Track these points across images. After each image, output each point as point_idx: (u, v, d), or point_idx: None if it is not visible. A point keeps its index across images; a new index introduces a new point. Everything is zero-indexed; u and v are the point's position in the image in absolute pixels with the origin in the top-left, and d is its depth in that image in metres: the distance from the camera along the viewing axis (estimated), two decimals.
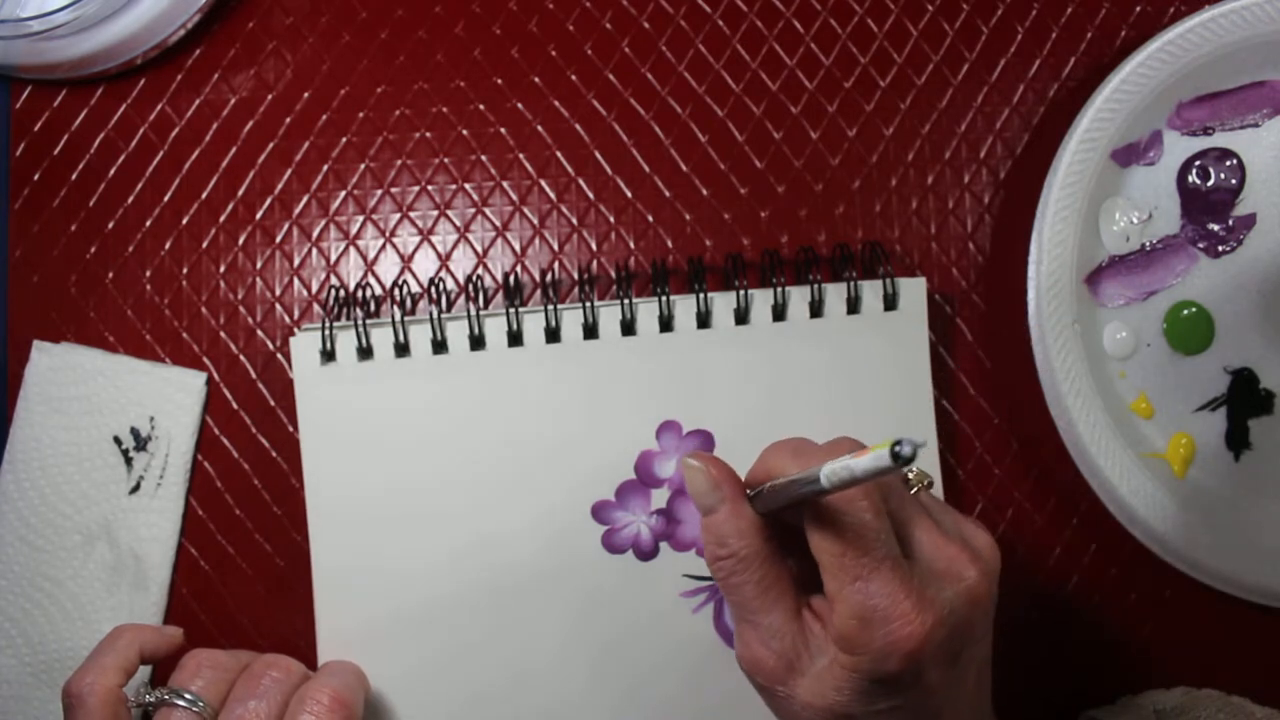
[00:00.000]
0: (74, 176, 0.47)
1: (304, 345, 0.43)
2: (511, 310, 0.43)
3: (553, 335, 0.43)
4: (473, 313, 0.43)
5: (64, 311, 0.46)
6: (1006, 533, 0.46)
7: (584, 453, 0.43)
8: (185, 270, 0.47)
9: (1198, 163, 0.46)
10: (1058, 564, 0.47)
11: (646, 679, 0.43)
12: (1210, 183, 0.46)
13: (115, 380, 0.45)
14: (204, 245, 0.47)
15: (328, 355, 0.43)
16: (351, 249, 0.47)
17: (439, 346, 0.43)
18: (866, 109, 0.48)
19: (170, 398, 0.45)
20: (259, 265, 0.47)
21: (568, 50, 0.48)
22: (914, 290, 0.44)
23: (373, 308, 0.46)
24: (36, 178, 0.47)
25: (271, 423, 0.46)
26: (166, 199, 0.47)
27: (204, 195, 0.47)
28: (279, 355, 0.46)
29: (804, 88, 0.48)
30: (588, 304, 0.43)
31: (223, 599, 0.46)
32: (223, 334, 0.46)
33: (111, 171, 0.47)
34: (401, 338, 0.43)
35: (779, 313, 0.44)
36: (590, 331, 0.43)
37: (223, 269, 0.47)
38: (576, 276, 0.46)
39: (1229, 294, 0.46)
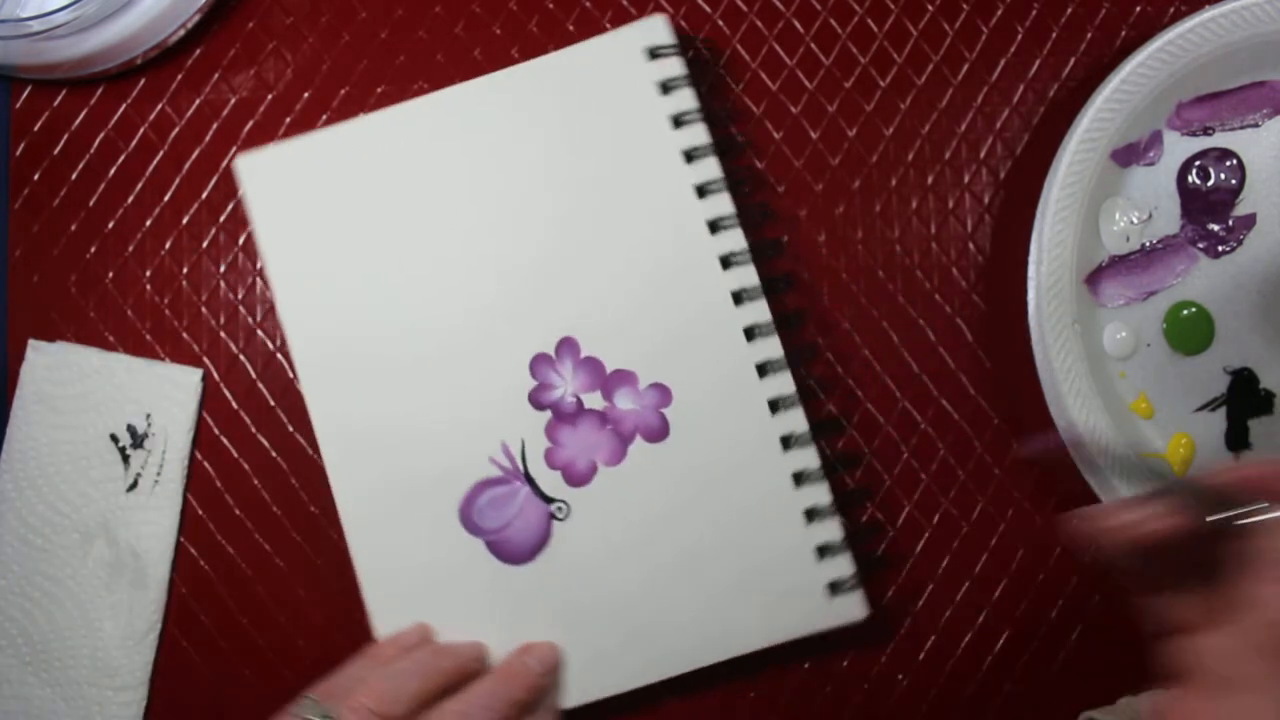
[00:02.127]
0: (74, 176, 0.47)
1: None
2: None
3: None
4: None
5: (64, 311, 0.46)
6: (1006, 532, 0.46)
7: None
8: (185, 270, 0.47)
9: (1198, 163, 0.46)
10: (1058, 564, 0.46)
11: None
12: (1210, 183, 0.46)
13: (111, 378, 0.45)
14: (204, 245, 0.47)
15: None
16: None
17: None
18: (866, 109, 0.48)
19: (166, 395, 0.45)
20: (259, 265, 0.47)
21: None
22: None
23: None
24: (36, 178, 0.47)
25: (271, 422, 0.46)
26: (166, 199, 0.47)
27: (204, 195, 0.47)
28: (279, 355, 0.46)
29: (804, 88, 0.48)
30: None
31: (221, 598, 0.46)
32: (223, 334, 0.46)
33: (111, 171, 0.47)
34: None
35: None
36: None
37: (223, 269, 0.47)
38: None
39: (1229, 294, 0.46)
